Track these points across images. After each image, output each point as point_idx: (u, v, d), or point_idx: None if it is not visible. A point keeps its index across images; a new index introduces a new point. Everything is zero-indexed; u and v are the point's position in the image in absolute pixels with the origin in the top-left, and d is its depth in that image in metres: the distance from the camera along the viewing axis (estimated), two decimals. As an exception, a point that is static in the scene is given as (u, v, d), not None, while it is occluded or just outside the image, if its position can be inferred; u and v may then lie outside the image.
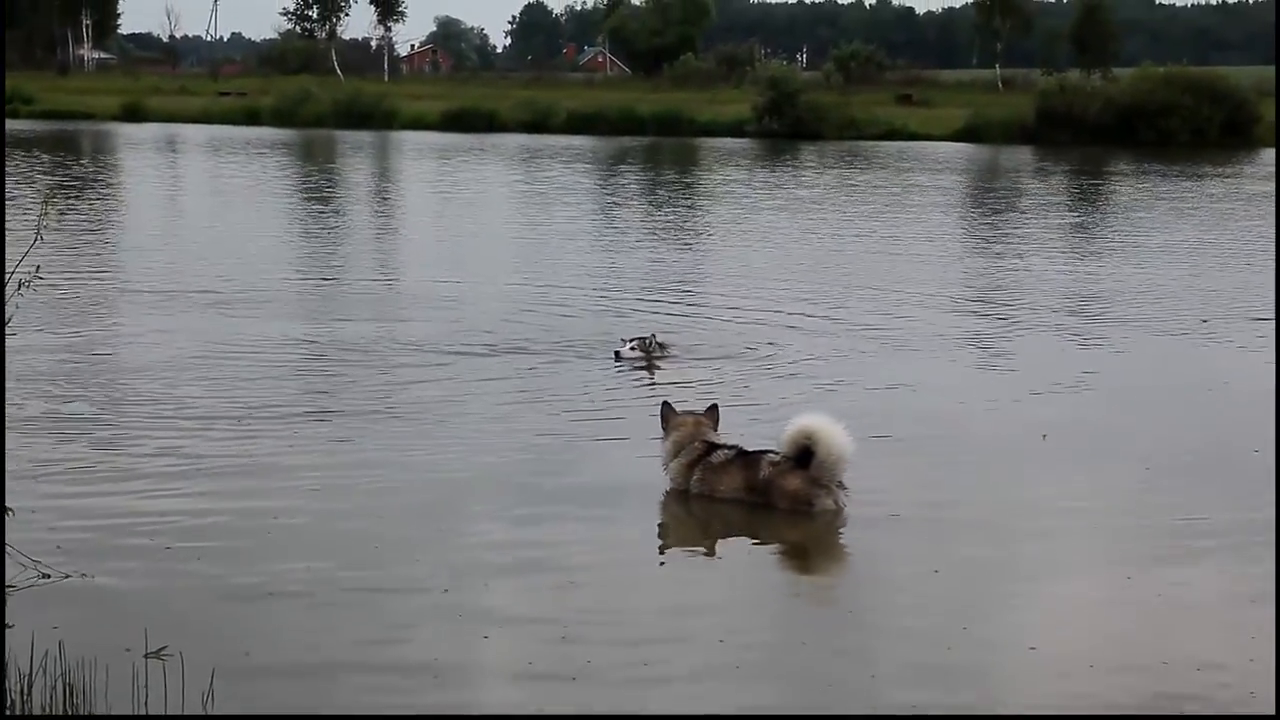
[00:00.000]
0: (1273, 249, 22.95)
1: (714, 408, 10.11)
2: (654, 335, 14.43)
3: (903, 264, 22.77)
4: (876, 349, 15.18)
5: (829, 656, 6.92)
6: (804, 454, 9.13)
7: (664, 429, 9.89)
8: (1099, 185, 42.15)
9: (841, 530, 8.97)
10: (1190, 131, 62.87)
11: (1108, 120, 64.63)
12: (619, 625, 7.22)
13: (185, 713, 6.00)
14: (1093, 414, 12.30)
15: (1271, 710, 6.01)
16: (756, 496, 9.29)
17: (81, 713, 5.92)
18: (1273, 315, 16.82)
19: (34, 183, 34.76)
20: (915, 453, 10.80)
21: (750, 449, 9.59)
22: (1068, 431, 11.59)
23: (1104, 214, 33.04)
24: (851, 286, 19.83)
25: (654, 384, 13.14)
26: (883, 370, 13.96)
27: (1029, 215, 32.78)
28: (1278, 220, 25.66)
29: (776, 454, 9.33)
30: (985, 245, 26.06)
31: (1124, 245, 25.94)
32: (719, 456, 9.55)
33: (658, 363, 14.01)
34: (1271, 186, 38.19)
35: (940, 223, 30.82)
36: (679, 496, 9.53)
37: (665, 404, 10.12)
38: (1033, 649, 7.06)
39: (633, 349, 14.05)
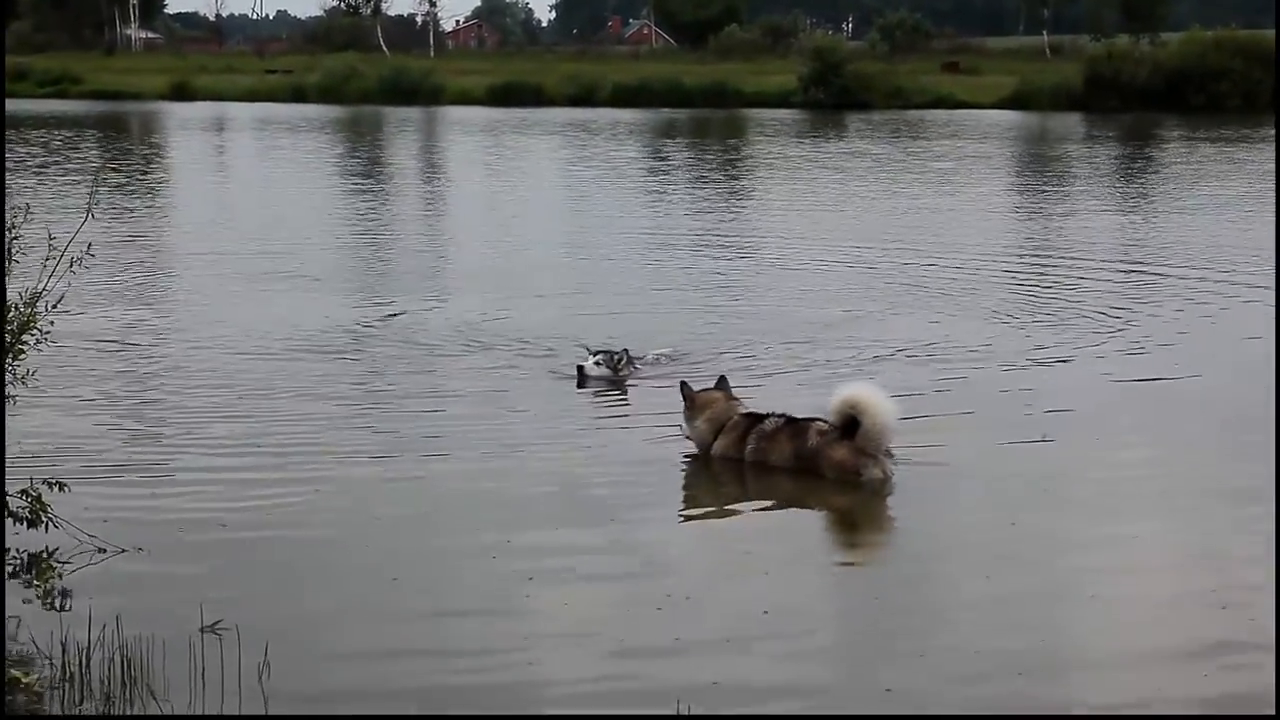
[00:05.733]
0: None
1: (723, 379, 10.06)
2: (626, 350, 12.32)
3: (959, 228, 22.85)
4: (929, 313, 15.17)
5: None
6: (850, 423, 9.11)
7: (689, 408, 9.80)
8: (1152, 151, 41.78)
9: (890, 495, 8.97)
10: (1241, 96, 62.23)
11: (1157, 85, 64.09)
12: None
13: (241, 688, 6.05)
14: (1156, 374, 12.30)
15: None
16: (804, 465, 9.26)
17: (139, 686, 5.99)
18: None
19: (85, 162, 34.97)
20: (974, 416, 10.75)
21: (798, 417, 9.55)
22: (1129, 394, 11.64)
23: (1163, 179, 32.77)
24: (908, 251, 19.86)
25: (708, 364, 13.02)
26: (933, 335, 13.86)
27: (1085, 180, 32.56)
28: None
29: (825, 422, 9.30)
30: (1042, 209, 25.97)
31: (1186, 208, 25.78)
32: (770, 424, 9.52)
33: (630, 378, 12.16)
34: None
35: (995, 189, 30.67)
36: (732, 466, 9.47)
37: (683, 383, 10.05)
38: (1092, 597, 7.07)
39: (598, 363, 12.08)
